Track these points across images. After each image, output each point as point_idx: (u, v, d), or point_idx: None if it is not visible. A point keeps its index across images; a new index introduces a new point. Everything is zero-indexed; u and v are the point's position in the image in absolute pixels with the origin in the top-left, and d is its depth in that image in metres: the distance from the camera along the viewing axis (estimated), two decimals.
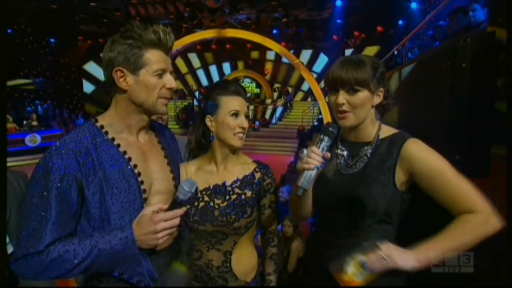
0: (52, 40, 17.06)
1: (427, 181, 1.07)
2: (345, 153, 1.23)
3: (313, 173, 1.06)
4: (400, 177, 1.10)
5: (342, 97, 1.13)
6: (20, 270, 0.94)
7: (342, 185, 1.17)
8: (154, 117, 1.71)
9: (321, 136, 1.12)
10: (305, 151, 1.09)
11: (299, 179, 1.07)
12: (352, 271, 1.02)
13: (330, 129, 1.13)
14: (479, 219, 0.99)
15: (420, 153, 1.08)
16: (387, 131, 1.19)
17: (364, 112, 1.14)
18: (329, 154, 1.10)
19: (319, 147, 1.10)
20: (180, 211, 1.01)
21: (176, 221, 1.00)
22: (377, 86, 1.13)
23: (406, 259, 0.98)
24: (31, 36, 15.59)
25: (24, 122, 12.37)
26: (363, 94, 1.11)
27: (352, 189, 1.13)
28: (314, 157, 1.06)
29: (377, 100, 1.15)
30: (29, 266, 0.92)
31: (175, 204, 1.03)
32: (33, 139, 10.97)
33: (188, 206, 1.03)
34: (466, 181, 1.03)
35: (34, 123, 12.15)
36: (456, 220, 1.02)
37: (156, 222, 0.96)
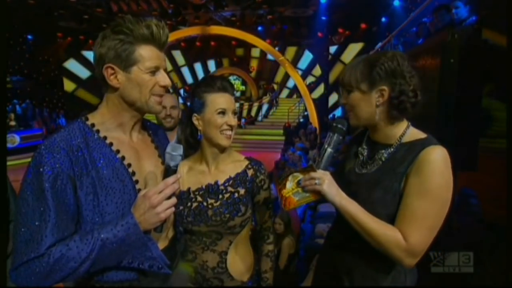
0: (29, 37, 16.48)
1: (410, 191, 1.02)
2: (365, 152, 1.21)
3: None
4: (404, 183, 1.04)
5: (343, 97, 1.17)
6: (21, 278, 0.87)
7: (350, 185, 1.16)
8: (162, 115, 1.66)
9: (330, 134, 1.14)
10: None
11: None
12: (290, 186, 1.13)
13: (339, 125, 1.14)
14: (402, 244, 1.00)
15: (432, 165, 0.99)
16: (413, 135, 1.10)
17: (363, 112, 1.12)
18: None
19: (328, 144, 1.13)
20: (171, 179, 0.97)
21: (169, 190, 0.95)
22: (372, 86, 1.08)
23: (334, 194, 1.06)
24: (7, 33, 15.01)
25: None
26: (354, 94, 1.13)
27: (357, 190, 1.13)
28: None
29: (380, 99, 1.09)
30: (31, 272, 0.86)
31: (168, 174, 1.00)
32: (11, 140, 10.57)
33: (178, 176, 1.00)
34: (434, 218, 1.01)
35: (12, 123, 11.73)
36: (390, 226, 1.03)
37: (150, 197, 0.92)
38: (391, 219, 1.05)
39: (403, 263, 1.02)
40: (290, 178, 1.14)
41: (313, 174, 1.08)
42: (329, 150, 1.12)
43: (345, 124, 1.14)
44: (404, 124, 1.13)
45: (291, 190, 1.13)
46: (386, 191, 1.06)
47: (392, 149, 1.11)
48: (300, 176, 1.12)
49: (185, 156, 1.35)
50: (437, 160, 1.00)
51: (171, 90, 17.63)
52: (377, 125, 1.13)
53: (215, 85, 1.25)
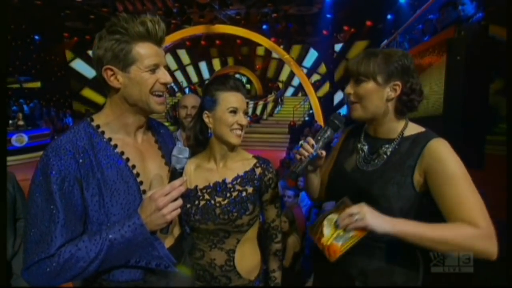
0: (36, 37, 16.65)
1: (437, 184, 1.02)
2: (365, 148, 1.21)
3: (304, 162, 1.12)
4: (418, 177, 1.06)
5: (349, 87, 1.15)
6: (33, 278, 0.90)
7: (357, 181, 1.16)
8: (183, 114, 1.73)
9: (325, 127, 1.14)
10: (301, 142, 1.13)
11: (294, 165, 1.14)
12: (329, 232, 1.01)
13: (336, 121, 1.13)
14: (477, 233, 0.95)
15: (441, 154, 1.03)
16: (413, 129, 1.13)
17: (371, 104, 1.11)
18: (324, 152, 1.12)
19: (320, 137, 1.12)
20: (177, 182, 0.97)
21: (175, 193, 0.95)
22: (388, 79, 1.09)
23: (381, 222, 0.97)
24: (15, 33, 15.15)
25: (10, 121, 12.06)
26: (367, 85, 1.10)
27: (367, 187, 1.12)
28: (306, 148, 1.10)
29: (392, 94, 1.10)
30: (42, 272, 0.88)
31: (174, 176, 1.00)
32: (19, 139, 10.70)
33: (184, 178, 1.00)
34: (477, 195, 0.99)
35: (20, 122, 11.84)
36: (453, 223, 0.99)
37: (156, 199, 0.93)
38: (404, 214, 1.05)
39: (490, 251, 0.96)
40: (325, 223, 1.02)
41: (349, 210, 0.99)
42: (320, 144, 1.12)
43: (342, 121, 1.14)
44: (403, 119, 1.15)
45: (331, 236, 1.01)
46: (400, 186, 1.07)
47: (395, 143, 1.13)
48: (335, 217, 1.01)
49: (193, 153, 1.36)
50: (445, 148, 1.04)
51: (175, 89, 17.71)
52: (380, 120, 1.14)
53: (228, 84, 1.25)
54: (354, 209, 0.98)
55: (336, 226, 1.00)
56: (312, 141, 1.11)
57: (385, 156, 1.13)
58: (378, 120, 1.15)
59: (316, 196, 1.34)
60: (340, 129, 1.14)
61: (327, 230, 1.01)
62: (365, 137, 1.24)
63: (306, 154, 1.10)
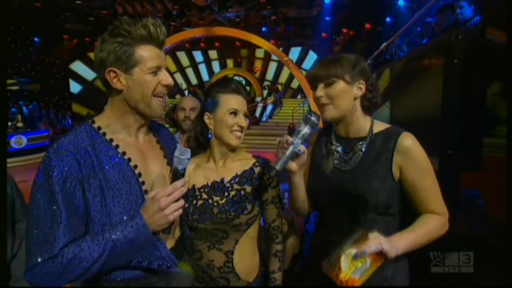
0: (36, 39, 16.69)
1: (412, 177, 1.14)
2: (339, 149, 1.27)
3: (285, 156, 1.09)
4: (395, 170, 1.15)
5: (320, 90, 1.21)
6: (35, 279, 0.90)
7: (340, 181, 1.20)
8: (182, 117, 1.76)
9: (302, 124, 1.14)
10: (279, 139, 1.15)
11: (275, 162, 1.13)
12: (347, 266, 1.01)
13: (312, 118, 1.14)
14: (443, 220, 1.14)
15: (415, 149, 1.14)
16: (380, 126, 1.24)
17: (343, 103, 1.18)
18: (304, 148, 1.13)
19: (298, 133, 1.12)
20: (179, 182, 0.98)
21: (177, 193, 0.97)
22: (354, 78, 1.18)
23: (390, 246, 1.02)
24: (14, 35, 15.18)
25: (9, 123, 12.05)
26: (339, 85, 1.18)
27: (352, 185, 1.16)
28: (282, 143, 1.11)
29: (359, 92, 1.19)
30: (45, 273, 0.89)
31: (175, 177, 1.02)
32: (18, 141, 10.68)
33: (186, 179, 1.02)
34: (436, 182, 1.15)
35: (19, 124, 11.82)
36: (423, 220, 1.14)
37: (158, 199, 0.94)
38: (389, 204, 1.16)
39: (444, 232, 1.14)
40: (343, 258, 1.02)
41: (375, 240, 1.01)
42: (297, 141, 1.10)
43: (317, 117, 1.15)
44: (369, 118, 1.25)
45: (349, 270, 1.01)
46: (382, 179, 1.15)
47: (368, 140, 1.21)
48: (353, 251, 1.02)
49: (194, 155, 1.36)
50: (415, 142, 1.15)
51: (175, 91, 17.71)
52: (349, 118, 1.22)
53: (229, 86, 1.28)
54: (375, 239, 1.01)
55: (354, 259, 1.01)
56: (288, 138, 1.12)
57: (361, 153, 1.20)
58: (348, 119, 1.22)
59: (306, 212, 1.35)
60: (316, 125, 1.16)
61: (345, 264, 1.02)
62: (337, 139, 1.29)
63: (283, 147, 1.11)
